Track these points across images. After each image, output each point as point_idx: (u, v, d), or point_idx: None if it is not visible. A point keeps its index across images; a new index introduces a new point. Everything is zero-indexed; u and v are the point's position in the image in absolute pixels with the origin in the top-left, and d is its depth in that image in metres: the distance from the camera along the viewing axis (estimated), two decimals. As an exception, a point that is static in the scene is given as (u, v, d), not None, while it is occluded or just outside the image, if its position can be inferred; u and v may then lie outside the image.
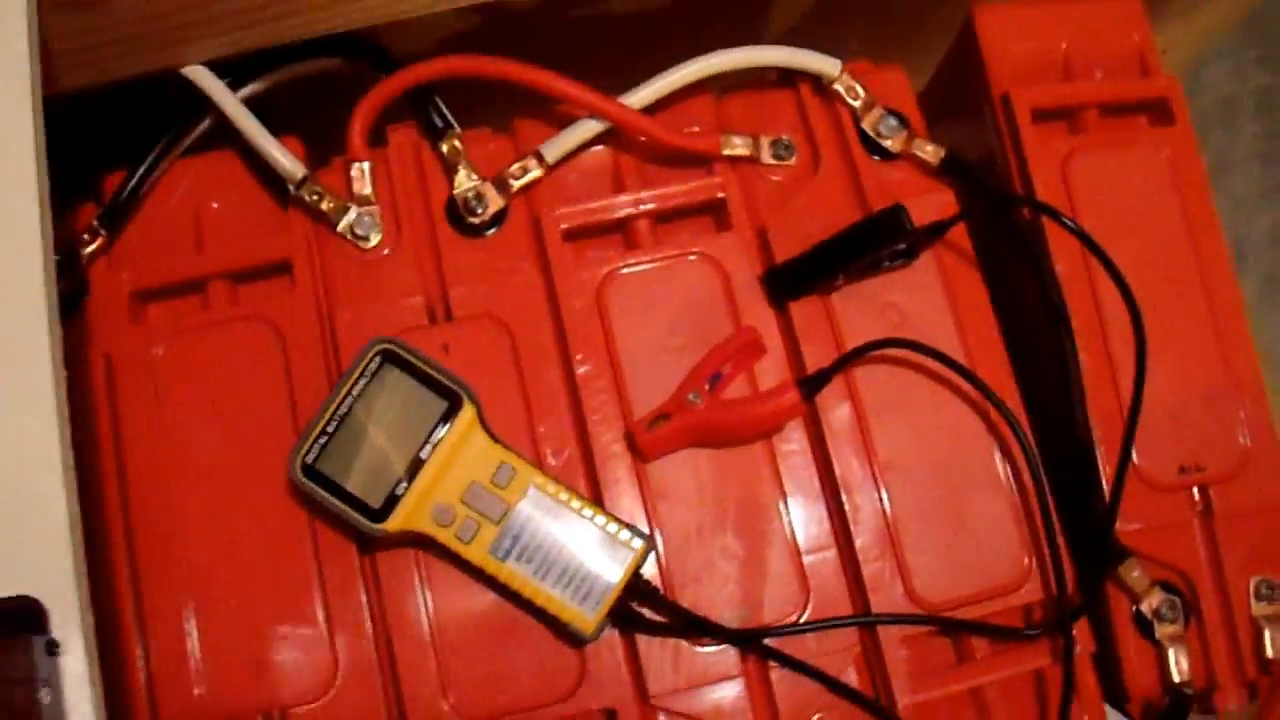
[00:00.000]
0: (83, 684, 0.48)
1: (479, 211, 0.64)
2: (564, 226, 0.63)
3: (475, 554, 0.57)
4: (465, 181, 0.64)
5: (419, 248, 0.64)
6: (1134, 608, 0.63)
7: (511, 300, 0.63)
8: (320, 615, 0.59)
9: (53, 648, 0.47)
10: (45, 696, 0.46)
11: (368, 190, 0.64)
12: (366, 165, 0.64)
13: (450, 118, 0.65)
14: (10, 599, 0.47)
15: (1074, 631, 0.61)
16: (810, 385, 0.59)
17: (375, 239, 0.64)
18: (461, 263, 0.64)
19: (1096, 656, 0.63)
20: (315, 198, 0.63)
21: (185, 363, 0.62)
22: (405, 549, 0.60)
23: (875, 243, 0.61)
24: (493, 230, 0.64)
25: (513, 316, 0.63)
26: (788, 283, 0.63)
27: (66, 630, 0.48)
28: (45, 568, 0.48)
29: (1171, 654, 0.62)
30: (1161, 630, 0.62)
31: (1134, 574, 0.62)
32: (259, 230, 0.65)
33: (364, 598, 0.60)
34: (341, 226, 0.63)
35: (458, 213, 0.64)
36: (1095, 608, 0.63)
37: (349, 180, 0.64)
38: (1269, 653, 0.63)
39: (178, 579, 0.60)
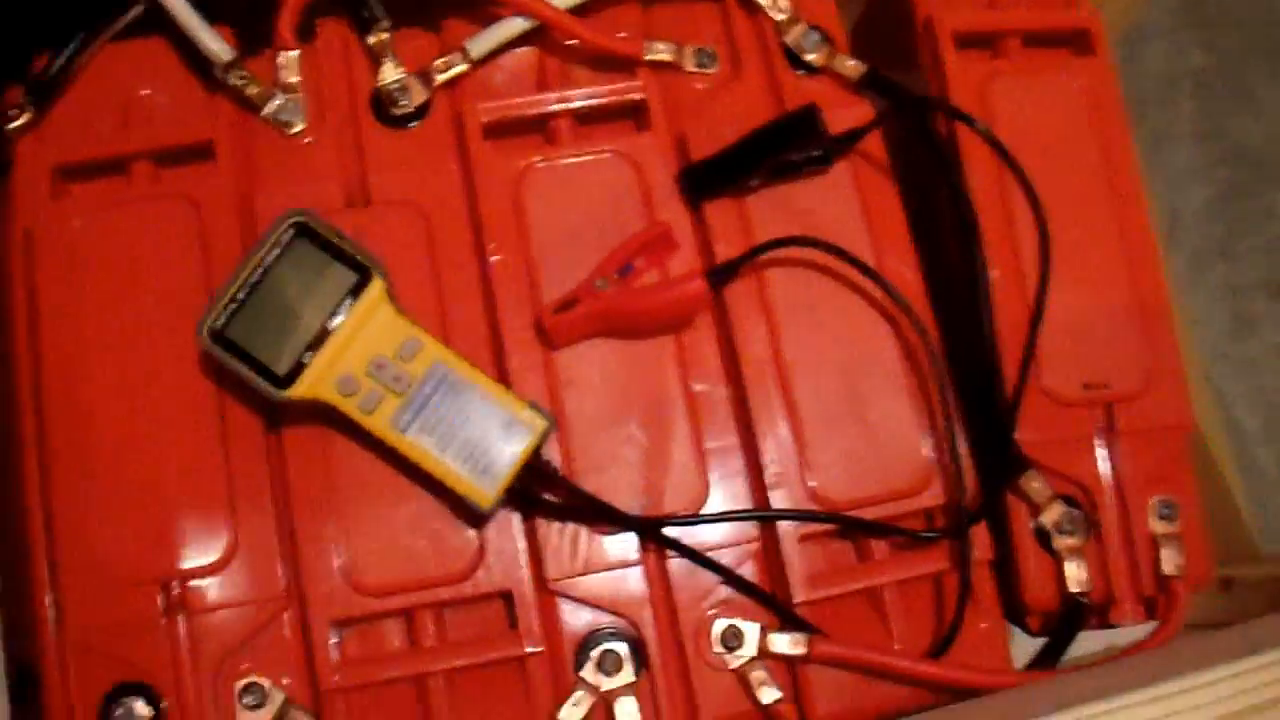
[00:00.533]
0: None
1: (402, 103, 0.64)
2: (485, 120, 0.64)
3: (377, 424, 0.57)
4: (390, 74, 0.65)
5: (341, 136, 0.65)
6: (1034, 521, 0.64)
7: (430, 190, 0.64)
8: (224, 489, 0.60)
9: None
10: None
11: (294, 79, 0.65)
12: (294, 54, 0.65)
13: (380, 10, 0.65)
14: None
15: (972, 538, 0.61)
16: (717, 275, 0.60)
17: (299, 126, 0.64)
18: (383, 152, 0.65)
19: (997, 568, 0.64)
20: (242, 82, 0.64)
21: (104, 239, 0.62)
22: (310, 427, 0.60)
23: (787, 141, 0.62)
24: (415, 123, 0.65)
25: (430, 205, 0.63)
26: (702, 181, 0.63)
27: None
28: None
29: (1070, 565, 0.63)
30: (1060, 542, 0.63)
31: (1034, 485, 0.63)
32: (186, 116, 0.65)
33: (268, 477, 0.60)
34: (266, 112, 0.64)
35: (382, 104, 0.65)
36: (994, 515, 0.64)
37: (276, 68, 0.65)
38: (1165, 570, 0.63)
39: (87, 450, 0.60)
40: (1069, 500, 0.64)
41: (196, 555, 0.59)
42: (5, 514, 0.58)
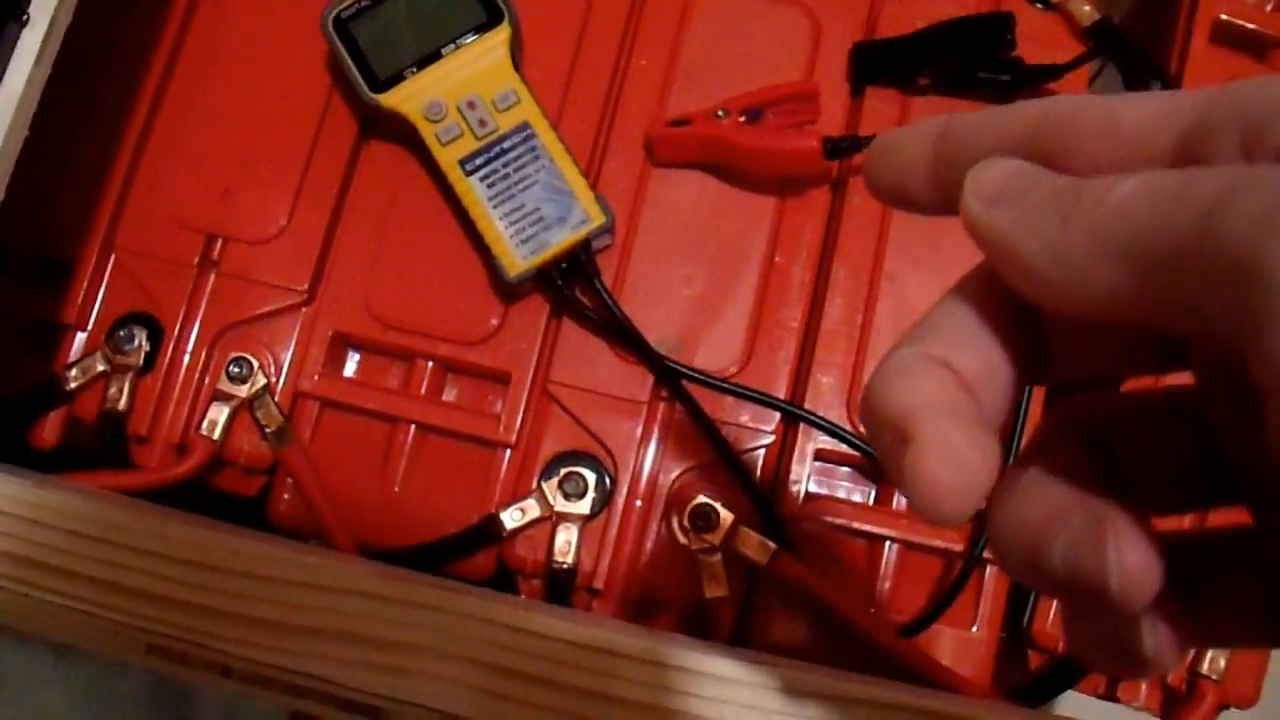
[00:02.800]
0: (29, 56, 0.50)
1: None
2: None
3: (445, 157, 0.56)
4: None
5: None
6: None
7: (600, -24, 0.62)
8: (298, 175, 0.60)
9: (20, 13, 0.49)
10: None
11: None
12: None
13: None
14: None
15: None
16: (837, 146, 0.56)
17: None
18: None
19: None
20: None
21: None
22: (392, 149, 0.60)
23: (971, 44, 0.56)
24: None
25: (597, -9, 0.62)
26: (874, 62, 0.59)
27: (41, 10, 0.50)
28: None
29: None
30: None
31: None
32: None
33: (340, 180, 0.60)
34: None
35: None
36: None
37: None
38: (1200, 666, 0.54)
39: (199, 92, 0.62)
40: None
41: (247, 224, 0.59)
42: (99, 125, 0.61)
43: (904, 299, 0.57)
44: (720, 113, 0.57)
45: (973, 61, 0.57)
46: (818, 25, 0.60)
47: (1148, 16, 0.67)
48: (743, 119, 0.57)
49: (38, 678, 0.72)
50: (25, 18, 0.50)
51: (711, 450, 0.56)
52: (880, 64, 0.59)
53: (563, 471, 0.56)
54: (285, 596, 0.40)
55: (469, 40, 0.57)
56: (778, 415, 0.56)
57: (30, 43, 0.50)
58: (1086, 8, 0.60)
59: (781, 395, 0.56)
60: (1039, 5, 0.62)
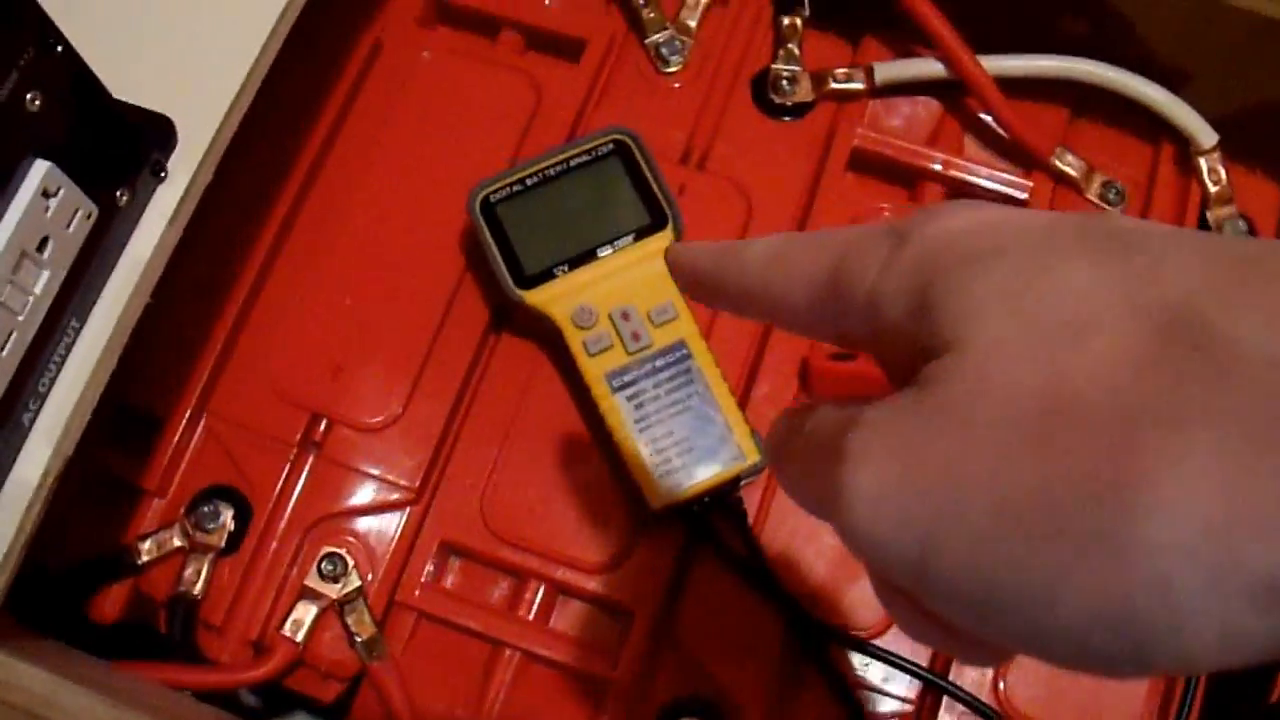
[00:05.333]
0: (163, 215, 0.45)
1: (785, 92, 0.59)
2: (858, 144, 0.58)
3: (592, 370, 0.52)
4: (787, 61, 0.60)
5: (709, 95, 0.60)
6: None
7: (769, 183, 0.58)
8: (419, 363, 0.55)
9: (159, 169, 0.45)
10: (123, 198, 0.43)
11: (693, 22, 0.61)
12: (704, 1, 0.61)
13: (805, -1, 0.61)
14: (152, 114, 0.45)
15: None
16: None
17: (674, 68, 0.60)
18: (741, 130, 0.60)
19: None
20: (643, 2, 0.60)
21: (441, 81, 0.60)
22: (525, 345, 0.55)
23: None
24: (787, 118, 0.60)
25: (760, 199, 0.58)
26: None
27: (182, 163, 0.45)
28: (204, 106, 0.46)
29: None
30: None
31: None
32: (575, 9, 0.62)
33: (465, 371, 0.55)
34: (650, 40, 0.60)
35: (764, 86, 0.60)
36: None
37: (681, 6, 0.61)
38: None
39: (316, 259, 0.57)
40: None
41: (358, 407, 0.55)
42: (205, 276, 0.56)
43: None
44: (887, 351, 0.53)
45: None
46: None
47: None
48: (908, 359, 0.53)
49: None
50: (163, 174, 0.46)
51: (845, 714, 0.51)
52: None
53: (680, 723, 0.51)
54: None
55: (627, 243, 0.53)
56: (919, 683, 0.52)
57: (166, 202, 0.46)
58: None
59: (924, 663, 0.52)
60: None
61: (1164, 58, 0.58)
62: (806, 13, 0.61)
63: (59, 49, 0.38)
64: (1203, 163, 0.58)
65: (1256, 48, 0.56)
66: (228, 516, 0.54)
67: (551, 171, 0.54)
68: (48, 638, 0.49)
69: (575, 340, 0.52)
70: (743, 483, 0.52)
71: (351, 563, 0.53)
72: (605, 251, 0.53)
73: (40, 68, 0.38)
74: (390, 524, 0.54)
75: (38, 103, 0.38)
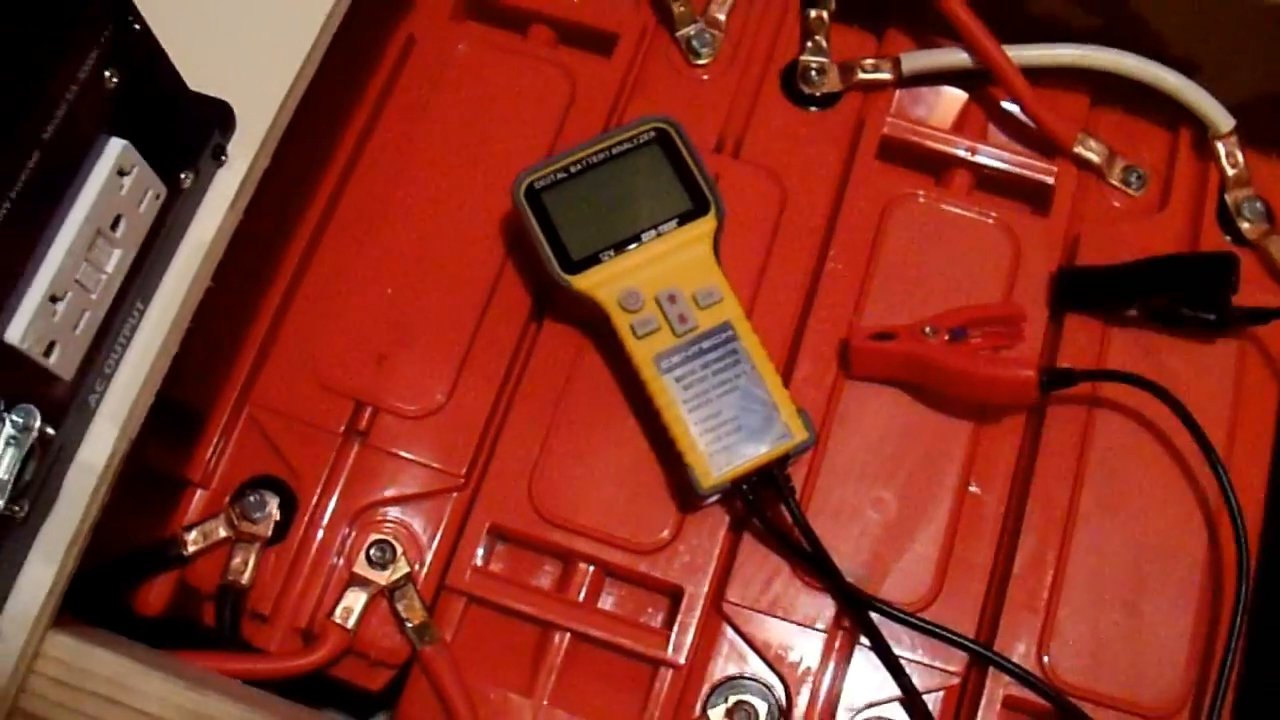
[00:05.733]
0: (224, 199, 0.45)
1: (814, 82, 0.61)
2: (887, 133, 0.60)
3: (640, 352, 0.52)
4: (815, 52, 0.61)
5: (740, 86, 0.61)
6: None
7: (801, 173, 0.59)
8: (463, 349, 0.56)
9: (219, 152, 0.45)
10: (187, 180, 0.44)
11: (722, 16, 0.62)
12: (733, -6, 0.63)
13: (830, -10, 0.62)
14: (214, 99, 0.46)
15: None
16: (1052, 378, 0.53)
17: (704, 60, 0.61)
18: (772, 119, 0.61)
19: None
20: (674, -3, 0.62)
21: (475, 74, 0.61)
22: (571, 330, 0.56)
23: (1188, 284, 0.54)
24: (815, 108, 0.61)
25: (794, 187, 0.59)
26: (1078, 289, 0.57)
27: (241, 148, 0.46)
28: (262, 92, 0.46)
29: None
30: None
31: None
32: (607, 2, 0.63)
33: (509, 358, 0.56)
34: (680, 34, 0.62)
35: (793, 77, 0.61)
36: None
37: (709, 0, 0.62)
38: None
39: (358, 249, 0.58)
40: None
41: (403, 394, 0.55)
42: (246, 264, 0.56)
43: (1098, 548, 0.54)
44: (928, 330, 0.54)
45: (1185, 300, 0.55)
46: (1017, 243, 0.58)
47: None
48: (947, 338, 0.54)
49: None
50: (223, 158, 0.46)
51: (894, 687, 0.52)
52: (1086, 291, 0.57)
53: (731, 699, 0.52)
54: None
55: (671, 228, 0.54)
56: (964, 656, 0.53)
57: (227, 186, 0.46)
58: (1286, 251, 0.59)
59: (970, 635, 0.53)
60: (1229, 238, 0.60)
61: (1174, 48, 0.60)
62: (832, 6, 0.62)
63: (136, 27, 0.39)
64: (1220, 147, 0.60)
65: (1264, 36, 0.58)
66: (273, 506, 0.54)
67: (594, 159, 0.54)
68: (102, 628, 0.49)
69: (623, 324, 0.53)
70: (790, 460, 0.52)
71: (400, 549, 0.53)
72: (649, 236, 0.53)
73: (118, 46, 0.38)
74: (438, 510, 0.54)
75: (115, 80, 0.38)
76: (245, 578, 0.53)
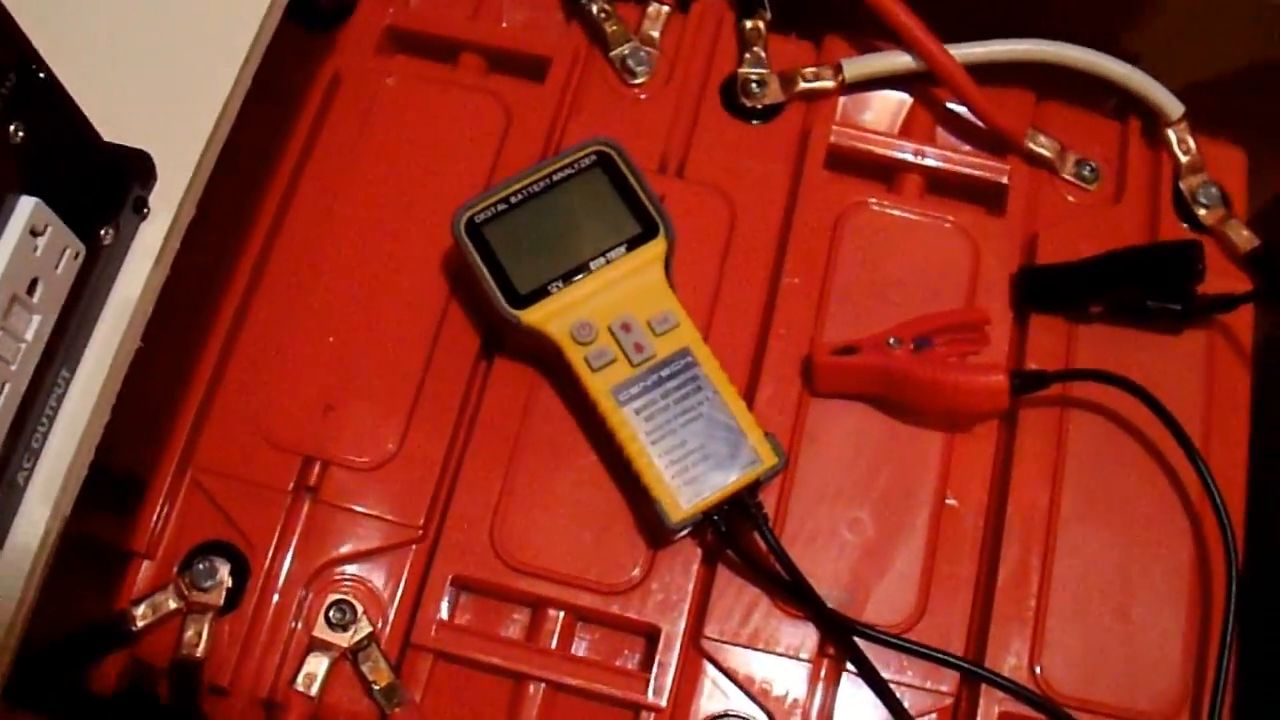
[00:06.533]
0: (149, 254, 0.43)
1: (755, 95, 0.59)
2: (833, 141, 0.58)
3: (596, 386, 0.50)
4: (754, 64, 0.60)
5: (679, 104, 0.60)
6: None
7: (749, 189, 0.58)
8: (411, 395, 0.54)
9: (140, 205, 0.43)
10: (107, 236, 0.41)
11: (655, 33, 0.61)
12: (666, 10, 0.61)
13: (766, 1, 0.61)
14: (131, 149, 0.43)
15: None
16: (1023, 381, 0.52)
17: (640, 79, 0.60)
18: (714, 136, 0.59)
19: None
20: (604, 16, 0.60)
21: (405, 108, 0.59)
22: (521, 368, 0.54)
23: (1152, 275, 0.53)
24: (758, 121, 0.60)
25: (742, 203, 0.57)
26: (1041, 289, 0.55)
27: (163, 200, 0.43)
28: (181, 140, 0.44)
29: None
30: None
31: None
32: (534, 28, 0.62)
33: (460, 400, 0.54)
34: (615, 53, 0.60)
35: (734, 91, 0.60)
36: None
37: (643, 17, 0.61)
38: None
39: (295, 300, 0.55)
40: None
41: (352, 446, 0.53)
42: (179, 321, 0.54)
43: (1083, 553, 0.52)
44: (891, 341, 0.52)
45: (1152, 282, 0.53)
46: (975, 245, 0.57)
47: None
48: (912, 348, 0.52)
49: None
50: (145, 210, 0.44)
51: (882, 712, 0.50)
52: (1049, 290, 0.55)
53: (719, 738, 0.50)
54: None
55: (620, 254, 0.52)
56: (955, 674, 0.51)
57: (151, 240, 0.44)
58: (1245, 233, 0.58)
59: (959, 652, 0.51)
60: (1186, 225, 0.59)
61: (1109, 39, 0.59)
62: (768, 15, 0.61)
63: (41, 76, 0.36)
64: (1171, 134, 0.59)
65: (1203, 19, 0.58)
66: (224, 573, 0.51)
67: (535, 188, 0.52)
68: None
69: (577, 357, 0.51)
70: (761, 486, 0.50)
71: (360, 608, 0.51)
72: (598, 264, 0.52)
73: (22, 97, 0.35)
74: (398, 564, 0.52)
75: (20, 134, 0.36)
76: (200, 650, 0.50)
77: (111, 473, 0.52)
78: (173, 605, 0.51)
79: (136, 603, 0.51)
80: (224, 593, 0.51)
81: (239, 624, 0.51)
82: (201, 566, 0.51)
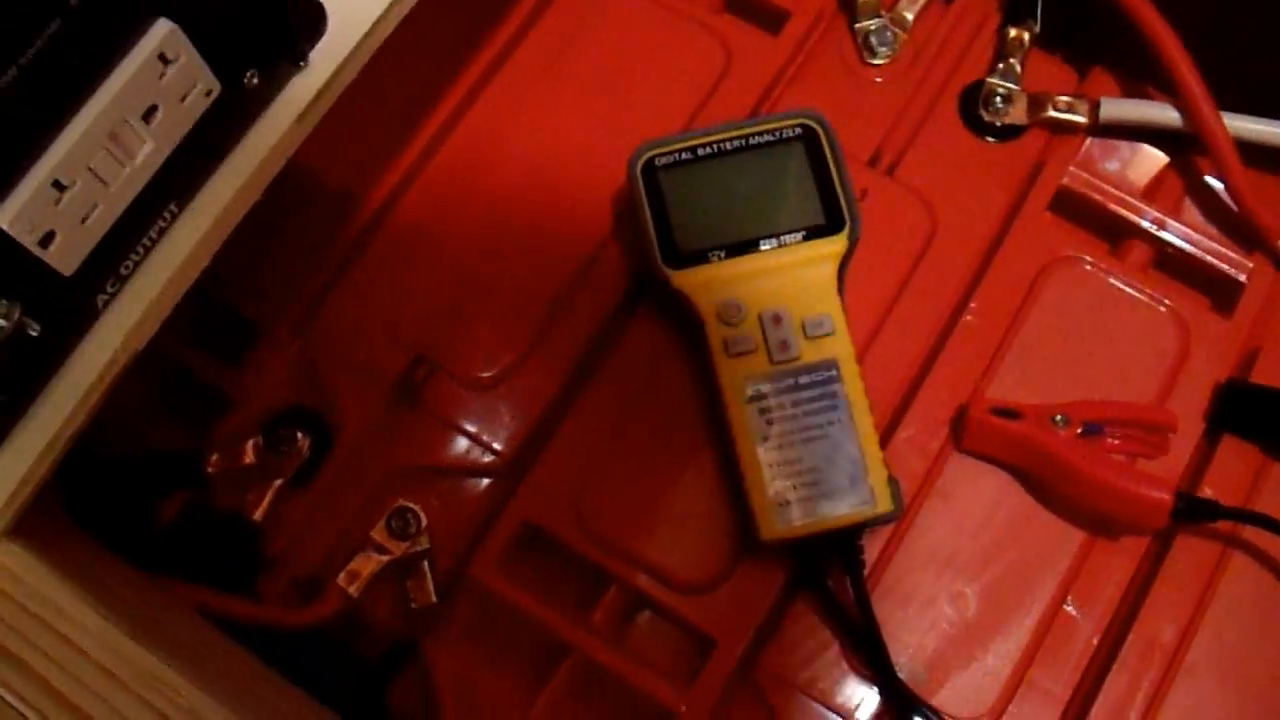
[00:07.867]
0: (294, 109, 0.40)
1: (997, 110, 0.53)
2: (1065, 183, 0.52)
3: (728, 373, 0.46)
4: (1004, 75, 0.54)
5: (913, 97, 0.54)
6: None
7: (959, 206, 0.53)
8: (541, 323, 0.50)
9: (299, 56, 0.40)
10: (252, 80, 0.39)
11: (910, 15, 0.55)
12: (926, -2, 0.55)
13: (1036, 14, 0.55)
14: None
15: None
16: (1190, 507, 0.46)
17: (880, 60, 0.55)
18: (940, 139, 0.54)
19: None
20: (847, -12, 0.55)
21: (629, 22, 0.55)
22: (656, 333, 0.50)
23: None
24: (992, 139, 0.54)
25: (948, 219, 0.52)
26: (1246, 410, 0.49)
27: (325, 56, 0.41)
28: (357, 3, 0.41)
29: None
30: None
31: None
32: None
33: (588, 343, 0.50)
34: (859, 25, 0.55)
35: (975, 100, 0.54)
36: None
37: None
38: None
39: (456, 187, 0.53)
40: None
41: (467, 359, 0.50)
42: (335, 186, 0.52)
43: (1196, 710, 0.46)
44: (1059, 418, 0.47)
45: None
46: (1187, 340, 0.50)
47: None
48: (1079, 431, 0.47)
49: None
50: (303, 63, 0.41)
51: (925, 810, 0.46)
52: (1254, 414, 0.49)
53: (741, 774, 0.46)
54: None
55: (795, 240, 0.47)
56: (1019, 785, 0.46)
57: (300, 94, 0.41)
58: None
59: (1025, 767, 0.46)
60: None
61: None
62: (1036, 28, 0.54)
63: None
64: None
65: None
66: (305, 444, 0.50)
67: (727, 145, 0.48)
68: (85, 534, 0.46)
69: (716, 336, 0.47)
70: (866, 530, 0.46)
71: (424, 522, 0.48)
72: (768, 245, 0.47)
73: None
74: (473, 491, 0.49)
75: (174, -48, 0.33)
76: (259, 513, 0.49)
77: (231, 313, 0.51)
78: (248, 459, 0.50)
79: (213, 447, 0.50)
80: (299, 463, 0.49)
81: (301, 498, 0.49)
82: (285, 430, 0.50)
